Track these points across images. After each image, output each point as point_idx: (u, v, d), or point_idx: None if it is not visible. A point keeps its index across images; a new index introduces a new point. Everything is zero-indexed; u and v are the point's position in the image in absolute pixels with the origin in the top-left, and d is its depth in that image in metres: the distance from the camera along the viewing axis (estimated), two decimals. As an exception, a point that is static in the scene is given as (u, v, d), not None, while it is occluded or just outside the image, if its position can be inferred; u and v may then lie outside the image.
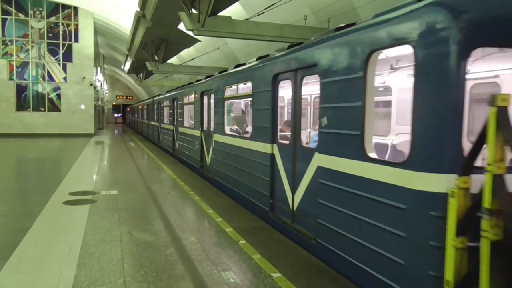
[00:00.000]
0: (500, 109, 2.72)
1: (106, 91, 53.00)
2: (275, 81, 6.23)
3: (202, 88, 11.08)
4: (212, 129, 10.01)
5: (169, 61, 23.34)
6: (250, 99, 7.66)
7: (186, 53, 23.96)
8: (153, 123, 23.70)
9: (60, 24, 28.85)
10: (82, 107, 29.37)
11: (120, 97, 62.16)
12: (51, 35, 28.75)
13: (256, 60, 7.25)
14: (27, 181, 10.92)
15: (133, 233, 5.74)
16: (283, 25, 11.53)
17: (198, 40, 18.77)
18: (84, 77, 29.24)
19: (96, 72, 34.24)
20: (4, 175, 11.69)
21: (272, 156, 6.29)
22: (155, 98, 23.40)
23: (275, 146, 6.26)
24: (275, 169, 6.22)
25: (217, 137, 9.40)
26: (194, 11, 10.72)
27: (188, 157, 13.16)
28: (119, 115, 69.75)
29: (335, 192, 4.46)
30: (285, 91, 6.70)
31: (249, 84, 7.42)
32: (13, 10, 27.73)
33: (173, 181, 10.24)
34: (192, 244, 5.29)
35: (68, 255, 4.83)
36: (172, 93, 16.77)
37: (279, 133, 6.37)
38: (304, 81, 5.55)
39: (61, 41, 28.96)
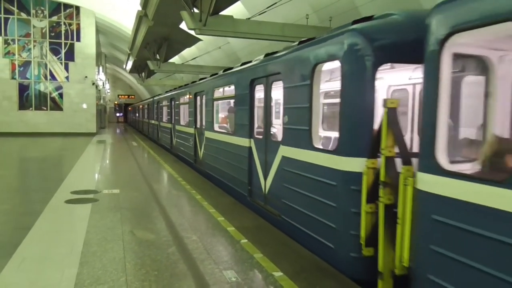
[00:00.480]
0: (390, 110, 3.70)
1: (108, 90, 53.06)
2: (252, 85, 7.17)
3: (195, 90, 11.97)
4: (204, 127, 10.89)
5: (171, 60, 23.39)
6: (233, 100, 8.57)
7: (187, 53, 23.98)
8: (152, 121, 24.52)
9: (62, 23, 28.89)
10: (84, 106, 29.42)
11: (122, 96, 62.19)
12: (53, 34, 28.80)
13: (240, 65, 8.35)
14: (29, 180, 10.97)
15: (135, 232, 5.75)
16: (285, 24, 11.54)
17: (199, 39, 18.79)
18: (86, 76, 29.28)
19: (98, 71, 34.27)
20: (6, 173, 11.73)
21: (250, 149, 7.28)
22: (154, 98, 24.29)
23: (252, 140, 7.26)
24: (252, 160, 7.20)
25: (207, 134, 10.38)
26: (195, 10, 10.74)
27: (183, 153, 14.08)
28: (120, 114, 69.82)
29: (293, 176, 5.50)
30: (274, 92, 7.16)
31: (232, 87, 8.40)
32: (15, 9, 27.79)
33: (174, 180, 10.26)
34: (194, 243, 5.31)
35: (70, 253, 4.85)
36: (169, 94, 17.69)
37: (256, 129, 7.36)
38: (273, 86, 6.52)
39: (63, 40, 29.01)
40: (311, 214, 4.99)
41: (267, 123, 6.73)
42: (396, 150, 3.72)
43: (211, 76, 10.76)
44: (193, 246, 5.16)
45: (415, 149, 4.63)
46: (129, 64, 31.07)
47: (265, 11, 11.84)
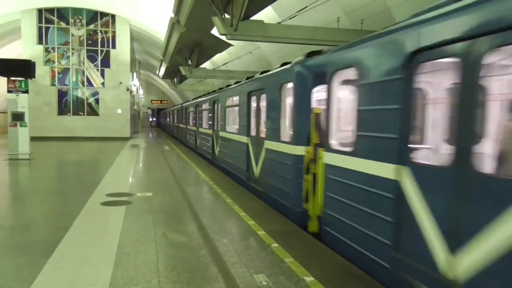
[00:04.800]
0: (316, 115, 6.12)
1: (142, 96, 54.39)
2: (249, 95, 9.37)
3: (213, 99, 14.54)
4: (219, 128, 13.30)
5: (202, 66, 23.72)
6: (238, 107, 10.68)
7: (218, 58, 24.25)
8: (181, 125, 27.49)
9: (99, 31, 29.93)
10: (119, 111, 30.27)
11: (155, 102, 63.62)
12: (90, 42, 29.87)
13: (246, 79, 10.58)
14: (67, 182, 11.38)
15: (167, 234, 5.85)
16: (315, 27, 11.46)
17: (230, 45, 18.96)
18: (121, 82, 30.14)
19: (132, 77, 35.20)
20: (47, 176, 12.23)
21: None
22: (182, 105, 27.96)
23: (248, 138, 9.54)
24: (248, 152, 9.43)
25: (221, 134, 12.75)
26: (227, 15, 10.86)
27: (204, 151, 16.84)
28: (153, 119, 71.34)
29: (272, 163, 7.79)
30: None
31: (237, 97, 10.71)
32: (55, 18, 29.02)
33: (206, 184, 10.37)
34: (225, 246, 5.34)
35: (106, 254, 4.99)
36: (193, 102, 20.98)
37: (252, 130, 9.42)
38: (261, 97, 8.68)
39: (99, 48, 30.03)
40: (280, 187, 7.38)
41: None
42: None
43: (226, 87, 12.80)
44: (224, 249, 5.19)
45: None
46: (162, 70, 31.74)
47: (295, 15, 11.83)
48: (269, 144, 7.92)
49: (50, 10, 28.77)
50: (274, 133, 7.57)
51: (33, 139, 16.76)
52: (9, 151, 15.29)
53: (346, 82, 5.31)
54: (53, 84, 29.33)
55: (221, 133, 12.71)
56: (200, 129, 18.21)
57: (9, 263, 4.73)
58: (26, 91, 15.39)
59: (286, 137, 7.30)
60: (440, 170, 3.50)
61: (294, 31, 11.22)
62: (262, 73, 9.08)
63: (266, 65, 18.50)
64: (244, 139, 9.82)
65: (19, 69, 15.34)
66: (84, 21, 29.58)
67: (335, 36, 10.84)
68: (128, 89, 30.51)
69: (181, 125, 27.46)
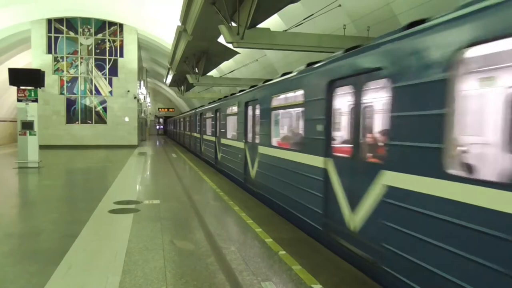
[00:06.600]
0: (203, 124, 20.15)
1: (149, 104, 54.75)
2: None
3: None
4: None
5: (209, 74, 23.85)
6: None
7: (225, 66, 24.39)
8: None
9: (107, 40, 30.25)
10: (126, 119, 30.46)
11: (162, 109, 64.02)
12: (98, 51, 30.17)
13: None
14: (76, 190, 11.45)
15: (175, 242, 5.86)
16: (321, 35, 11.50)
17: (237, 53, 19.08)
18: (128, 91, 30.37)
19: (140, 86, 35.45)
20: (55, 184, 12.32)
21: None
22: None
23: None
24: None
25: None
26: (233, 24, 10.94)
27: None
28: (161, 127, 71.74)
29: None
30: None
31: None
32: (64, 28, 29.41)
33: (213, 191, 10.38)
34: (232, 253, 5.33)
35: (114, 261, 5.01)
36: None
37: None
38: (191, 118, 20.65)
39: (107, 57, 30.32)
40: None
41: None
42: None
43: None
44: (232, 257, 5.19)
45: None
46: (169, 78, 31.96)
47: (301, 23, 11.88)
48: (198, 135, 19.49)
49: (60, 20, 29.16)
50: (200, 131, 18.99)
51: (42, 147, 16.91)
52: (18, 159, 15.46)
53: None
54: (61, 93, 29.63)
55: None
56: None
57: (19, 271, 4.77)
58: (36, 100, 15.59)
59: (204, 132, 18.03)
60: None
61: (300, 38, 11.26)
62: (199, 107, 20.40)
63: (272, 72, 18.58)
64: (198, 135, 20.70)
65: (29, 79, 15.57)
66: (92, 31, 29.93)
67: (342, 43, 10.84)
68: (135, 97, 30.72)
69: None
